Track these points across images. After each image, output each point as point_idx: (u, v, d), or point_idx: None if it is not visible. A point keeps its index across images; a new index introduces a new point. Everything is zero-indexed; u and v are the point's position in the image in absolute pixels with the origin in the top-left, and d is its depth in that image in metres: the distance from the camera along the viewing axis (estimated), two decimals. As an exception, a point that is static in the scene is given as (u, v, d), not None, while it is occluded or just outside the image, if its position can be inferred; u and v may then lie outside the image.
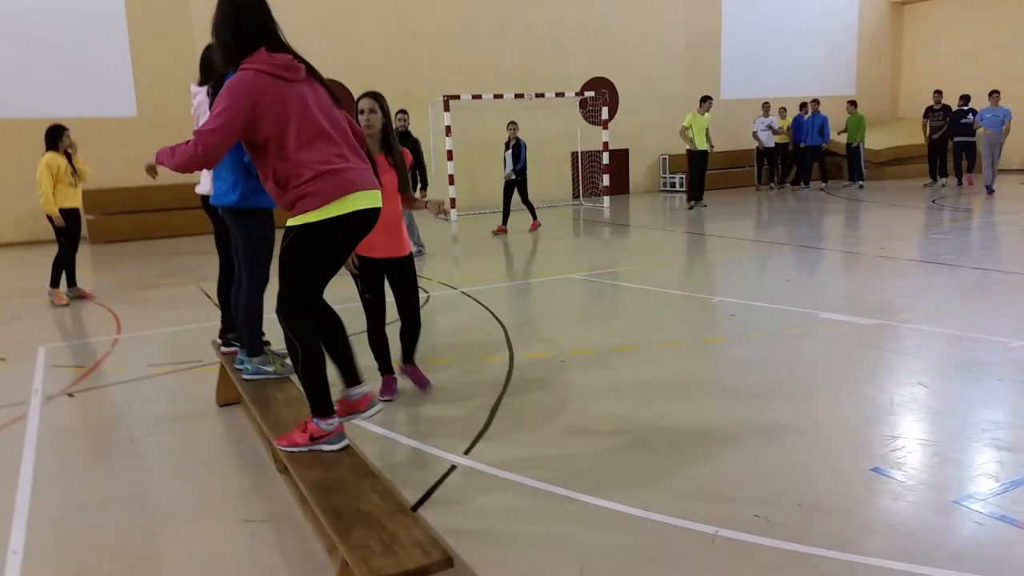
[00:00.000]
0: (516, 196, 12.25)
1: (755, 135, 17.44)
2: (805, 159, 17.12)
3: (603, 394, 4.55)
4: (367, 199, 2.96)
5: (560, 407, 4.35)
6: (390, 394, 4.52)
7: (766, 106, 17.27)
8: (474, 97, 14.67)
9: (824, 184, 17.05)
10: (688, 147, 14.43)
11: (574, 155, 17.39)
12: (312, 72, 3.03)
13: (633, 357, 5.29)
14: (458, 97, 14.45)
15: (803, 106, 17.13)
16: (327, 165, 2.89)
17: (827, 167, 17.29)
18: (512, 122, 12.24)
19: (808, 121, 16.98)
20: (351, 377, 3.28)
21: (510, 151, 12.07)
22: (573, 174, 17.64)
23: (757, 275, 8.35)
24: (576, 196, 17.47)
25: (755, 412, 4.16)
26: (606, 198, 15.89)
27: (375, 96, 4.27)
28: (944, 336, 5.48)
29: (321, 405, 3.06)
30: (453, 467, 3.60)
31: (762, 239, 11.01)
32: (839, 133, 17.22)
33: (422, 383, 4.69)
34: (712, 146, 14.53)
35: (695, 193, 14.78)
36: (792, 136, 17.28)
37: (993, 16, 19.03)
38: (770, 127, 17.21)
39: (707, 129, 14.31)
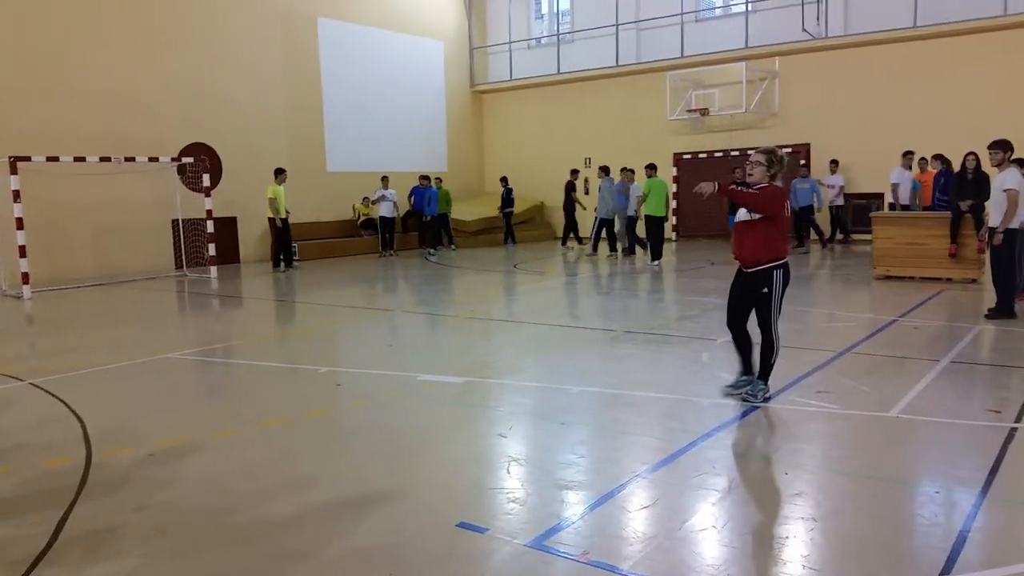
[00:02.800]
0: None
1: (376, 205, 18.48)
2: (427, 228, 18.56)
3: (195, 488, 4.24)
4: None
5: (145, 509, 3.94)
6: None
7: (385, 179, 18.25)
8: (49, 159, 12.96)
9: (435, 250, 18.34)
10: (272, 216, 15.55)
11: (175, 223, 16.26)
12: None
13: (232, 442, 5.03)
14: (29, 159, 12.66)
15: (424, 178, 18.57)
16: None
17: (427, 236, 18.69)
18: None
19: (419, 193, 18.33)
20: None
21: None
22: (175, 243, 16.48)
23: (364, 342, 8.60)
24: (179, 266, 16.32)
25: (356, 482, 4.23)
26: (213, 268, 15.10)
27: None
28: (520, 388, 6.20)
29: None
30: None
31: (371, 305, 11.40)
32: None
33: None
34: (288, 212, 15.80)
35: (284, 259, 15.81)
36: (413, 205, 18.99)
37: (544, 105, 22.46)
38: (391, 201, 18.22)
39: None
